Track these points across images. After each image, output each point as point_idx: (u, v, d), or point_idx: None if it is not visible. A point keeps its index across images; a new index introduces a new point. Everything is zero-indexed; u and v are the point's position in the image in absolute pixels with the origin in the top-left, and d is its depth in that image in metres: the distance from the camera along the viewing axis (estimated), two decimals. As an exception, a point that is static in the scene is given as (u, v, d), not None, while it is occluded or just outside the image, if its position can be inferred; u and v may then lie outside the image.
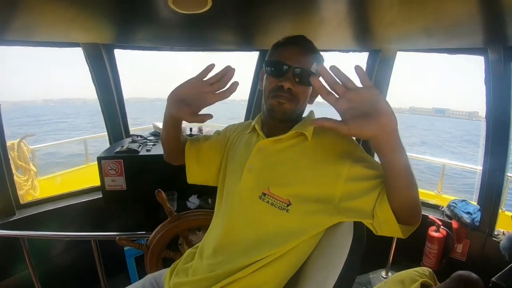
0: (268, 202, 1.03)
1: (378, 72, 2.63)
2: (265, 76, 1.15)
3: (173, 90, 1.07)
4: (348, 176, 0.97)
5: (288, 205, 1.01)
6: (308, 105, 1.19)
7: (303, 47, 1.12)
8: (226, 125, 1.44)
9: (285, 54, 1.10)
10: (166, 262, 1.58)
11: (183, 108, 1.04)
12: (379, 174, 0.95)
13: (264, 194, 1.05)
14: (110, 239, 1.74)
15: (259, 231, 1.05)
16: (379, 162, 0.95)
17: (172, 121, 1.17)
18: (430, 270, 1.72)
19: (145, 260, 1.56)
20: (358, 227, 0.97)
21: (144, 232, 1.92)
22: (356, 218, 0.96)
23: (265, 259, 1.01)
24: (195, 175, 1.36)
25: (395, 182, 0.86)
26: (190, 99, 1.04)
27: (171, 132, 1.24)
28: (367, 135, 0.79)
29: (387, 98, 2.64)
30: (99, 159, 2.27)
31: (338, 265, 0.92)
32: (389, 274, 2.66)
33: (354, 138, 1.07)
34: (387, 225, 0.91)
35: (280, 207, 1.02)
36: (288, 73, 1.07)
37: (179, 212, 1.64)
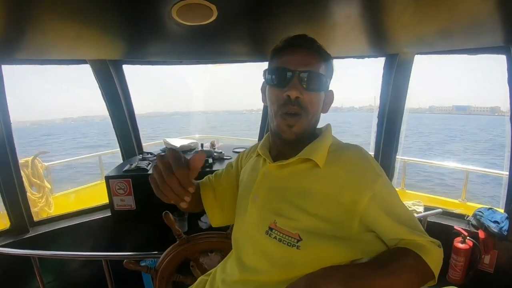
0: (275, 238, 0.91)
1: (396, 77, 2.52)
2: (267, 88, 1.02)
3: None
4: (363, 214, 0.87)
5: (298, 241, 0.87)
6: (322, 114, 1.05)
7: (307, 47, 0.97)
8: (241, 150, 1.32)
9: (287, 58, 0.96)
10: (177, 286, 1.53)
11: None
12: (397, 229, 0.86)
13: (271, 229, 0.92)
14: (121, 259, 1.69)
15: (270, 267, 0.92)
16: (402, 205, 0.92)
17: None
18: None
19: (154, 284, 1.50)
20: None
21: (156, 252, 1.87)
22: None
23: None
24: (218, 219, 1.23)
25: None
26: None
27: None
28: None
29: (406, 100, 2.57)
30: (107, 178, 2.24)
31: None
32: (414, 288, 2.55)
33: (375, 165, 0.93)
34: None
35: (289, 243, 0.88)
36: (293, 80, 0.92)
37: (191, 233, 1.57)
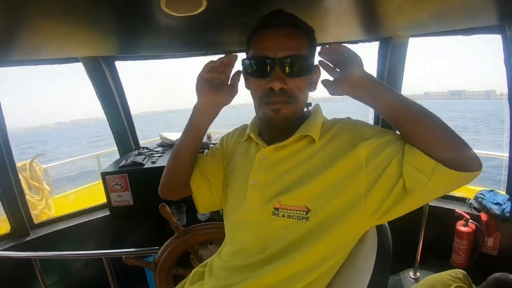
0: (284, 215, 0.89)
1: (391, 60, 2.50)
2: (249, 78, 1.00)
3: (197, 79, 1.00)
4: (367, 155, 0.86)
5: (307, 213, 0.87)
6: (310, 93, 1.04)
7: (285, 25, 0.92)
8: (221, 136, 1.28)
9: (265, 43, 0.92)
10: (178, 279, 1.51)
11: (214, 89, 1.00)
12: (395, 136, 0.87)
13: (277, 209, 0.91)
14: (122, 256, 1.68)
15: (276, 247, 0.90)
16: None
17: (201, 117, 1.06)
18: (464, 272, 1.58)
19: (154, 278, 1.49)
20: (382, 244, 0.90)
21: (156, 247, 1.85)
22: (389, 193, 0.82)
23: (287, 278, 0.87)
24: (207, 203, 1.19)
25: (401, 120, 0.85)
26: (215, 82, 1.00)
27: (191, 145, 1.10)
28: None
29: (403, 86, 2.54)
30: (103, 175, 2.21)
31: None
32: (417, 274, 2.53)
33: (361, 123, 0.98)
34: (423, 172, 0.78)
35: (299, 217, 0.87)
36: (274, 69, 0.90)
37: (189, 225, 1.56)
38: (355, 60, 0.90)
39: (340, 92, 0.95)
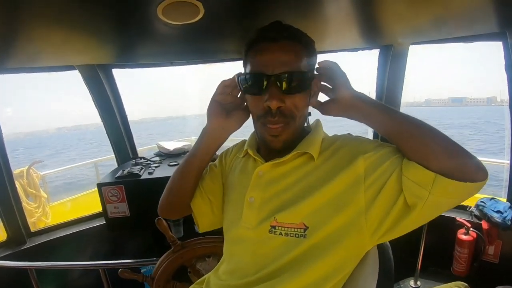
0: (281, 233, 0.86)
1: (391, 68, 2.48)
2: (246, 94, 0.98)
3: (210, 102, 1.01)
4: (366, 169, 0.83)
5: (305, 230, 0.84)
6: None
7: (282, 39, 0.88)
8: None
9: (261, 58, 0.89)
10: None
11: (225, 113, 1.02)
12: (393, 149, 0.85)
13: (274, 227, 0.88)
14: (119, 267, 1.65)
15: (273, 266, 0.87)
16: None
17: (210, 140, 1.06)
18: (466, 284, 1.56)
19: (151, 292, 1.47)
20: (384, 264, 0.87)
21: (154, 258, 1.83)
22: (390, 210, 0.79)
23: None
24: (208, 222, 1.18)
25: (397, 136, 0.83)
26: (228, 105, 1.03)
27: (197, 166, 1.09)
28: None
29: (403, 93, 2.51)
30: (99, 186, 2.17)
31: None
32: (418, 282, 2.51)
33: (360, 138, 0.95)
34: (423, 186, 0.75)
35: (297, 235, 0.84)
36: (271, 87, 0.86)
37: (187, 238, 1.53)
38: (343, 81, 0.91)
39: (332, 114, 0.95)
